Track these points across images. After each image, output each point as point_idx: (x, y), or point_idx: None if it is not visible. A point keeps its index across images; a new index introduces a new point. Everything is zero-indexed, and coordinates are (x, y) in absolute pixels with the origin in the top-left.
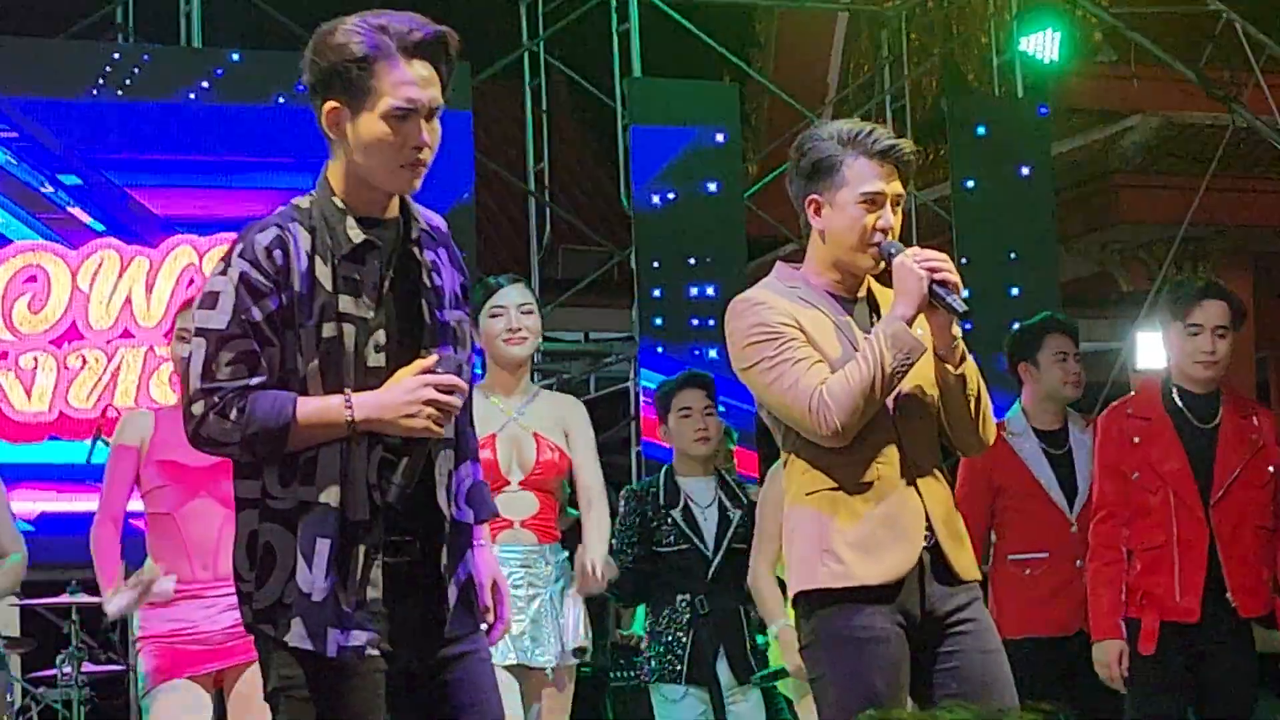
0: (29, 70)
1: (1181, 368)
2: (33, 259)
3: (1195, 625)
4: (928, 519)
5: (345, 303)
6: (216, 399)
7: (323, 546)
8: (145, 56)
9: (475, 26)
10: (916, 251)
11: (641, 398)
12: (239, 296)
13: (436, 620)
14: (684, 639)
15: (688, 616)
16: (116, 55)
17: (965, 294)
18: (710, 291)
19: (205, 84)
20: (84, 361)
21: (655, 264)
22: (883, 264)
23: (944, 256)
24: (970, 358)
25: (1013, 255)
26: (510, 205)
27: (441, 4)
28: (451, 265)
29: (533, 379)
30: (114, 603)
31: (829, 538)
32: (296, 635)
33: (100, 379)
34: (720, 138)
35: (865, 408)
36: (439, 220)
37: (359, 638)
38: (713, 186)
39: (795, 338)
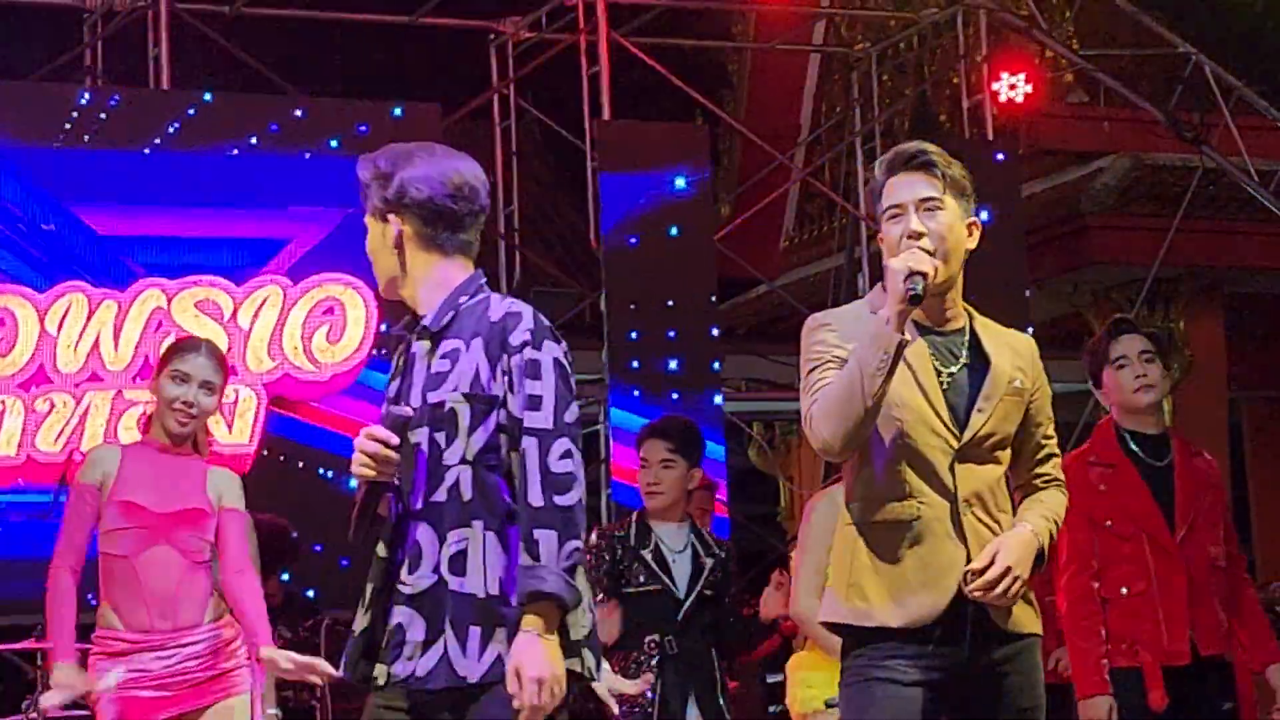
0: None
1: (1124, 405)
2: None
3: (1184, 668)
4: (969, 563)
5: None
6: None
7: (367, 590)
8: (114, 98)
9: (446, 68)
10: (906, 253)
11: (611, 440)
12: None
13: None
14: (652, 681)
15: (656, 657)
16: (86, 97)
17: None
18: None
19: (176, 125)
20: (51, 405)
21: (626, 306)
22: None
23: (922, 256)
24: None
25: (979, 296)
26: (481, 247)
27: (412, 45)
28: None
29: None
30: (51, 698)
31: (859, 572)
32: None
33: (68, 422)
34: (691, 179)
35: (849, 414)
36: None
37: (380, 671)
38: (683, 228)
39: (836, 360)
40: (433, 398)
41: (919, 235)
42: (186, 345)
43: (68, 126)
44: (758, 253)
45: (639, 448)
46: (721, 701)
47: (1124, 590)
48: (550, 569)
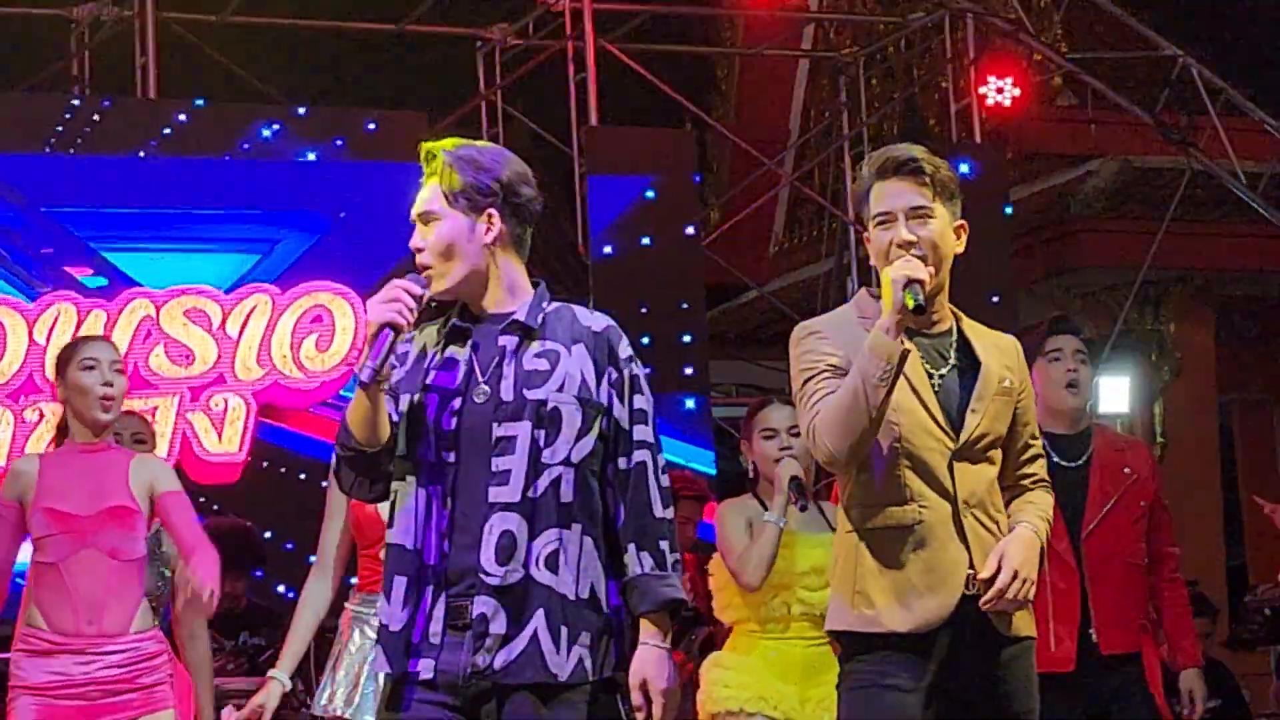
0: None
1: (1048, 401)
2: None
3: (1073, 674)
4: (971, 568)
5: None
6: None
7: (399, 583)
8: (105, 103)
9: (433, 75)
10: (901, 262)
11: None
12: None
13: (491, 675)
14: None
15: None
16: (74, 104)
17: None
18: (684, 339)
19: (165, 133)
20: (41, 415)
21: (616, 312)
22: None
23: (917, 264)
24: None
25: (966, 300)
26: None
27: (399, 53)
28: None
29: None
30: None
31: (864, 579)
32: (379, 663)
33: None
34: (680, 185)
35: (853, 425)
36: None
37: (426, 666)
38: (672, 234)
39: (830, 369)
40: (533, 394)
41: (909, 245)
42: (78, 341)
43: (56, 135)
44: (748, 258)
45: None
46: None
47: None
48: (676, 578)
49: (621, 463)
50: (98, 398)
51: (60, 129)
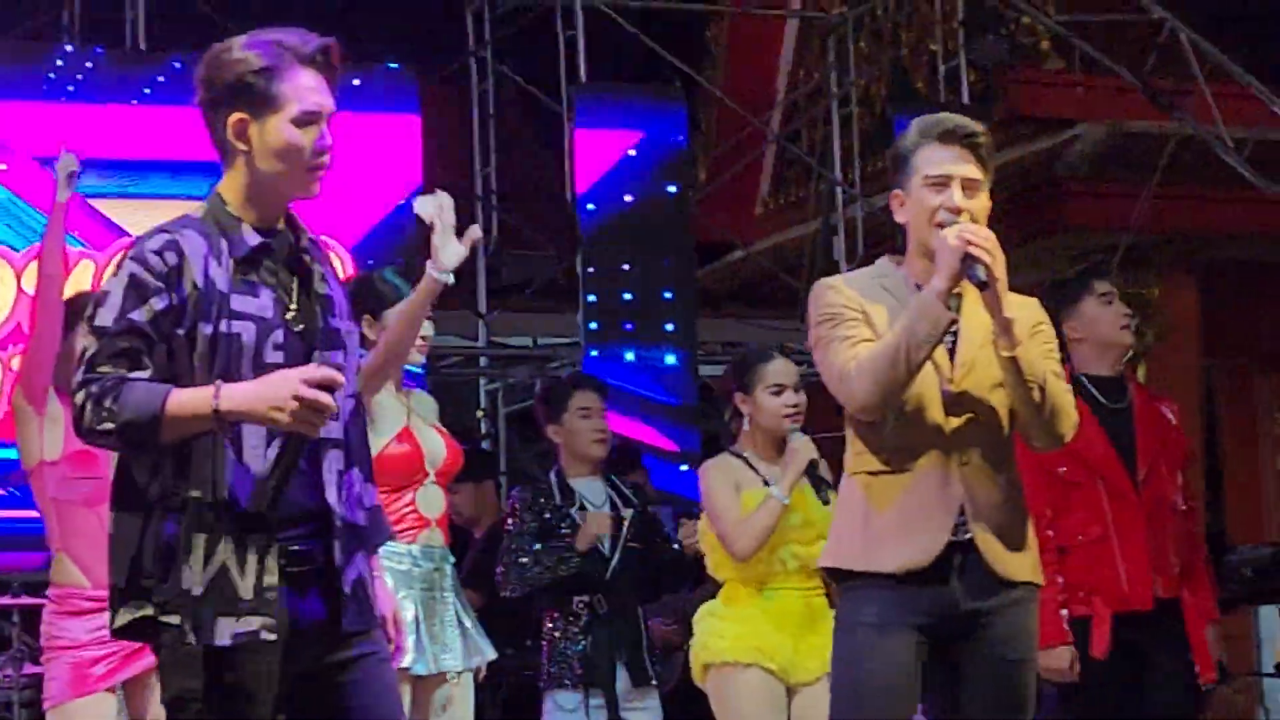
0: None
1: (1103, 340)
2: None
3: (1147, 615)
4: (963, 513)
5: (242, 302)
6: (95, 389)
7: (199, 540)
8: (97, 51)
9: (423, 33)
10: (963, 226)
11: None
12: (126, 296)
13: (332, 621)
14: (580, 643)
15: (585, 619)
16: (65, 54)
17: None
18: (665, 296)
19: (152, 85)
20: None
21: (602, 269)
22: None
23: (988, 234)
24: (1042, 346)
25: None
26: (458, 208)
27: (388, 10)
28: (336, 279)
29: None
30: None
31: (858, 519)
32: (190, 631)
33: None
34: (668, 144)
35: (892, 380)
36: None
37: (253, 623)
38: (660, 192)
39: (852, 319)
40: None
41: (960, 211)
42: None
43: (47, 82)
44: (735, 218)
45: (570, 399)
46: (648, 659)
47: (1080, 537)
48: None
49: None
50: None
51: (51, 77)
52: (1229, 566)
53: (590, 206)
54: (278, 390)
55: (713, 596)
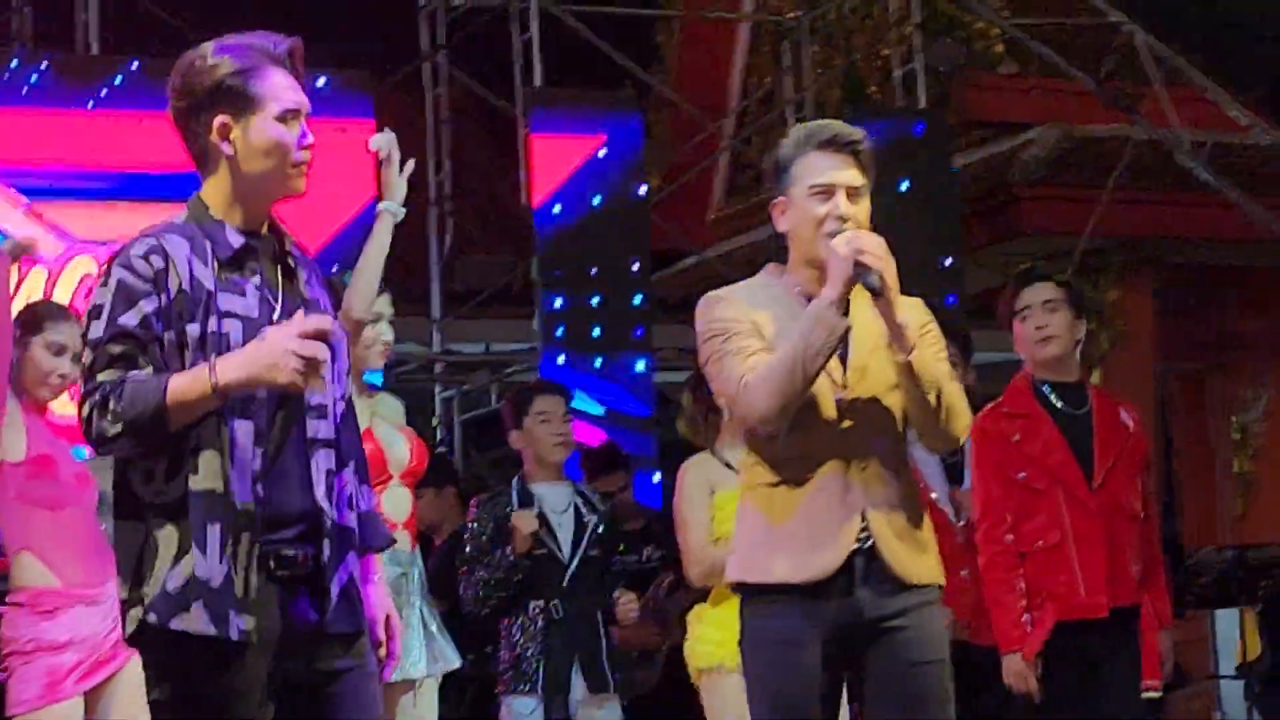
0: None
1: (1031, 357)
2: None
3: (1102, 621)
4: (864, 520)
5: (229, 301)
6: (97, 396)
7: (214, 532)
8: (46, 59)
9: (376, 36)
10: (853, 234)
11: None
12: (115, 304)
13: (321, 628)
14: (537, 648)
15: (541, 623)
16: (15, 61)
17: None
18: (634, 303)
19: (105, 91)
20: None
21: (557, 274)
22: None
23: (878, 240)
24: (932, 347)
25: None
26: (411, 214)
27: (342, 13)
28: (320, 284)
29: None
30: None
31: (758, 533)
32: (199, 620)
33: None
34: (622, 148)
35: (790, 390)
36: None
37: (242, 623)
38: (614, 196)
39: (741, 331)
40: None
41: (846, 220)
42: (55, 312)
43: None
44: (689, 224)
45: (530, 404)
46: (606, 666)
47: (1039, 543)
48: None
49: None
50: (50, 386)
51: (2, 83)
52: (1186, 571)
53: (552, 211)
54: (271, 348)
55: (702, 599)
